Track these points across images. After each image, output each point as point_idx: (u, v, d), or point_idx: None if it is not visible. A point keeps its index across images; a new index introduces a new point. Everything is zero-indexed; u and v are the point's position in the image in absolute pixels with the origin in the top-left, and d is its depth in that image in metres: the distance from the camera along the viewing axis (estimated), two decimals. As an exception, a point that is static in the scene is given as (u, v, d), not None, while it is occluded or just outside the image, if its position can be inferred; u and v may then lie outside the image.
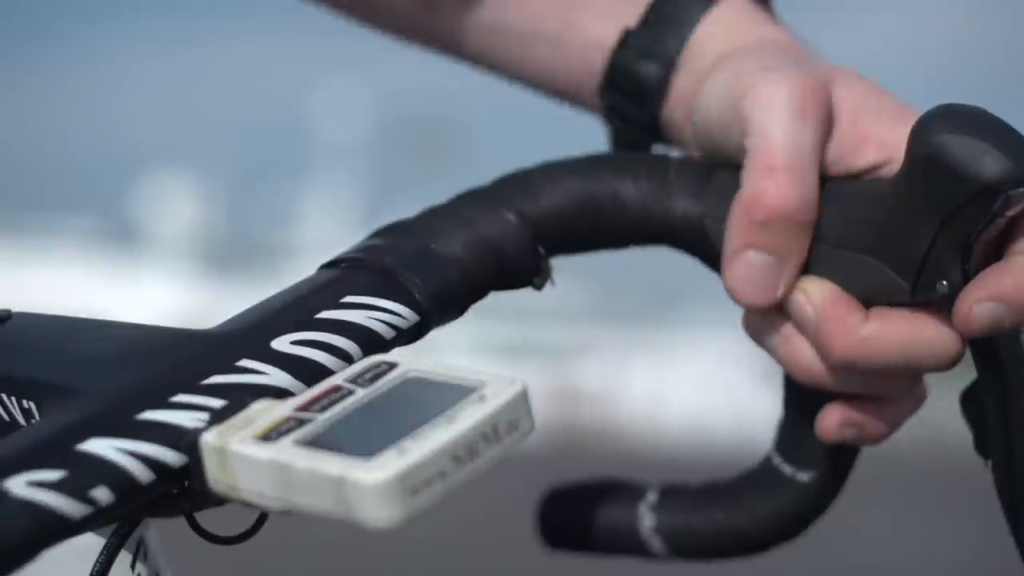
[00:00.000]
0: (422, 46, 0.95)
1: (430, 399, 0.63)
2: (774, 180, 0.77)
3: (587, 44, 0.87)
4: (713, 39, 0.85)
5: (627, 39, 0.86)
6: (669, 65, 0.85)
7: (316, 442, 0.61)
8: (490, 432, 0.62)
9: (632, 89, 0.86)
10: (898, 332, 0.77)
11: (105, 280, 29.80)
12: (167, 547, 0.77)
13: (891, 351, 0.77)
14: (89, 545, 0.70)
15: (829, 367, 0.78)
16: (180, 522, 0.70)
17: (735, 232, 0.78)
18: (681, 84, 0.85)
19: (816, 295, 0.78)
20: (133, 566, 0.72)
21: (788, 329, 0.79)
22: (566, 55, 0.88)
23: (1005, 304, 0.74)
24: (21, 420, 0.67)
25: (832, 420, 0.81)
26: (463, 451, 0.61)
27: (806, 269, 0.79)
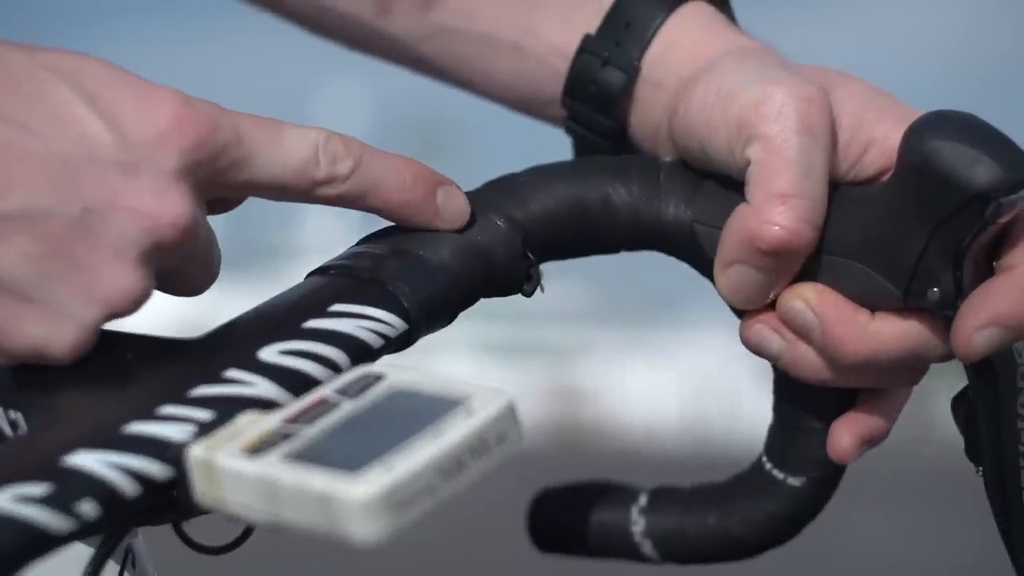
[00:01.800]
0: (375, 55, 0.92)
1: (417, 412, 0.63)
2: (784, 209, 0.76)
3: (547, 52, 0.86)
4: (677, 46, 0.83)
5: (587, 45, 0.84)
6: (631, 72, 0.83)
7: (303, 456, 0.61)
8: (478, 445, 0.62)
9: (595, 97, 0.85)
10: (906, 325, 0.77)
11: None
12: (154, 554, 0.77)
13: (902, 345, 0.77)
14: (77, 554, 0.69)
15: (841, 367, 0.78)
16: (168, 531, 0.70)
17: (730, 247, 0.78)
18: (646, 92, 0.84)
19: (815, 301, 0.77)
20: (121, 575, 0.72)
21: (789, 336, 0.78)
22: (525, 63, 0.86)
23: (1003, 327, 0.74)
24: (8, 431, 0.67)
25: (846, 443, 0.81)
26: (451, 465, 0.61)
27: (798, 276, 0.78)
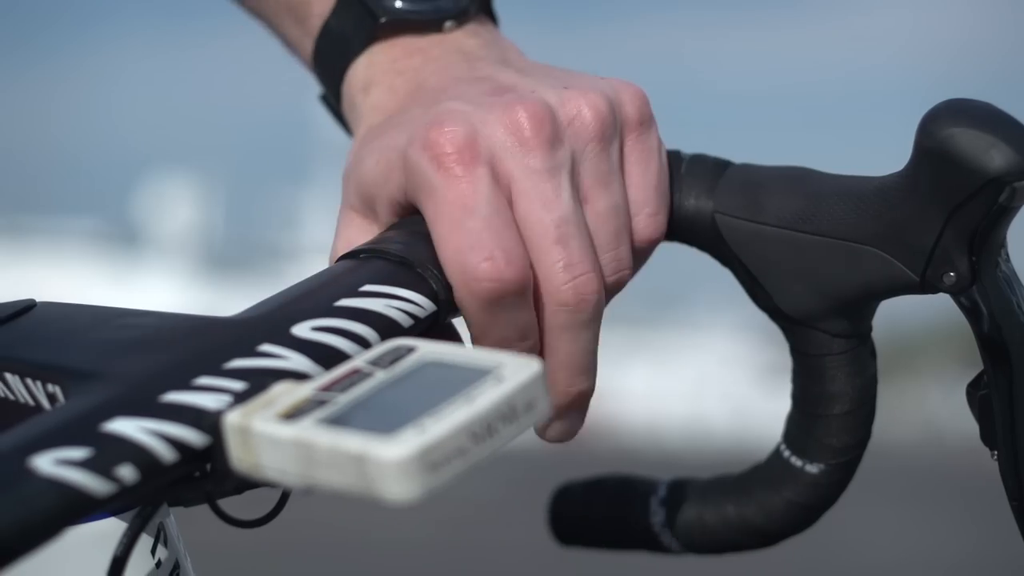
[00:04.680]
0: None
1: (449, 380, 0.64)
2: None
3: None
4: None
5: (313, 65, 0.88)
6: (337, 99, 0.87)
7: (337, 421, 0.62)
8: (507, 411, 0.63)
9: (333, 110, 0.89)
10: None
11: (108, 283, 29.75)
12: (186, 536, 0.78)
13: None
14: (110, 529, 0.70)
15: None
16: (198, 515, 0.71)
17: None
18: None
19: None
20: (153, 551, 0.73)
21: None
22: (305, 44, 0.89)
23: None
24: (46, 404, 0.68)
25: None
26: (481, 429, 0.62)
27: (811, 267, 0.80)
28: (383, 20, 0.84)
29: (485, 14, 0.87)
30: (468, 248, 0.74)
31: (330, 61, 0.86)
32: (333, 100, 0.88)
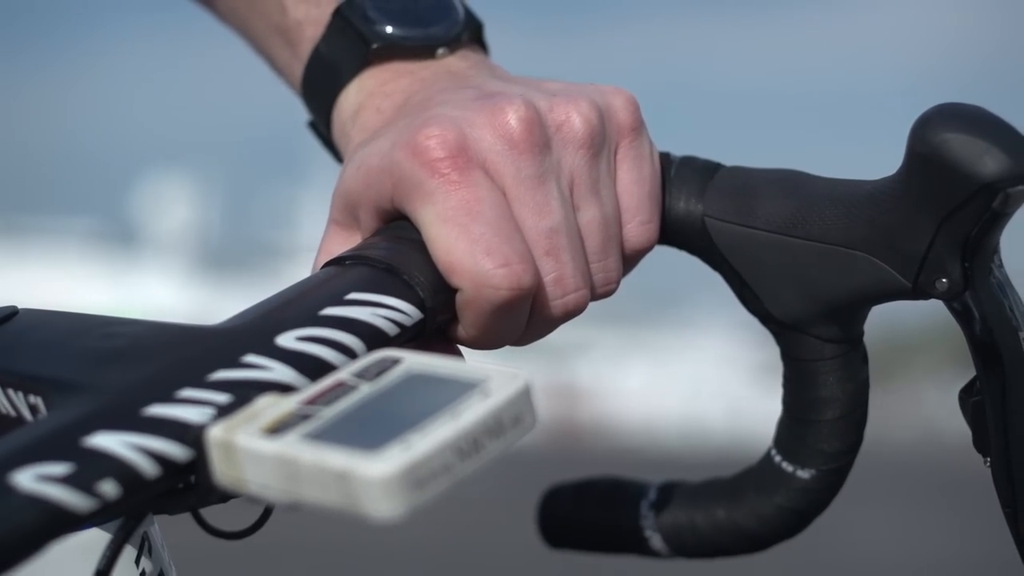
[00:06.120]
0: None
1: (434, 394, 0.63)
2: None
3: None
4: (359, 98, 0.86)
5: (302, 91, 0.88)
6: (327, 126, 0.87)
7: (322, 436, 0.62)
8: (494, 426, 0.62)
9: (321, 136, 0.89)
10: None
11: (106, 282, 29.79)
12: (169, 544, 0.77)
13: None
14: (94, 540, 0.70)
15: None
16: (183, 521, 0.70)
17: None
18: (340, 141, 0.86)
19: None
20: (137, 561, 0.73)
21: None
22: (295, 68, 0.89)
23: None
24: (27, 415, 0.67)
25: None
26: (467, 445, 0.61)
27: (802, 272, 0.79)
28: (375, 46, 0.84)
29: (476, 42, 0.86)
30: (483, 254, 0.73)
31: (320, 87, 0.86)
32: (323, 127, 0.87)
